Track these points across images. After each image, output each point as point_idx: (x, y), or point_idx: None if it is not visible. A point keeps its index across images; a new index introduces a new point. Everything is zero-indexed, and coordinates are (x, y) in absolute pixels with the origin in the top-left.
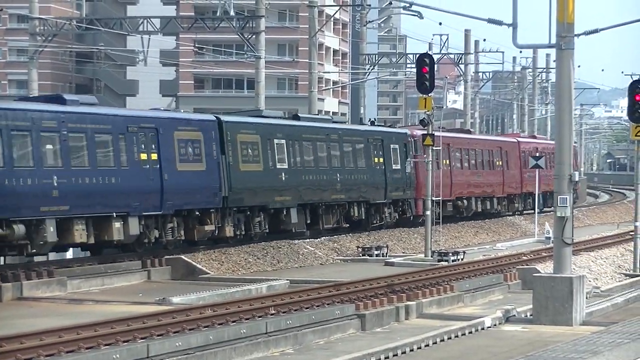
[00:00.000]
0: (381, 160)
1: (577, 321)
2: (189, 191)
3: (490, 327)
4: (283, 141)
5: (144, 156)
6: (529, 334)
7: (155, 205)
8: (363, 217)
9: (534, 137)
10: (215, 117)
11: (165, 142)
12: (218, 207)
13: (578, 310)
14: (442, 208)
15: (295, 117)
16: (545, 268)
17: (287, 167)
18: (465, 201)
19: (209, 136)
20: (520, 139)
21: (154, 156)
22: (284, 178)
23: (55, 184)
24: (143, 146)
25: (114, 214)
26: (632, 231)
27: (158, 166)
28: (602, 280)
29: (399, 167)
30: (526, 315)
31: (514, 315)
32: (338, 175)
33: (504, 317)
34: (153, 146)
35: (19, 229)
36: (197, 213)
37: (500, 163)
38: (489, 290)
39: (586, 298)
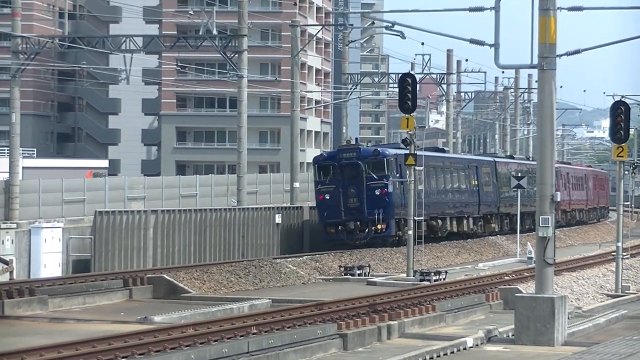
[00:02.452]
0: (475, 182)
1: (558, 341)
2: (489, 203)
3: (472, 347)
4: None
5: (474, 182)
6: (510, 354)
7: (476, 211)
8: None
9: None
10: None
11: (479, 174)
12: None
13: (560, 331)
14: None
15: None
16: (527, 288)
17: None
18: (439, 221)
19: (493, 170)
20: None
21: (475, 182)
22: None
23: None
24: (472, 176)
25: (465, 215)
26: (614, 251)
27: (477, 188)
28: (584, 300)
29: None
30: (508, 336)
31: (496, 335)
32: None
33: (486, 337)
34: (475, 176)
35: (440, 222)
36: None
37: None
38: (471, 310)
39: (568, 318)
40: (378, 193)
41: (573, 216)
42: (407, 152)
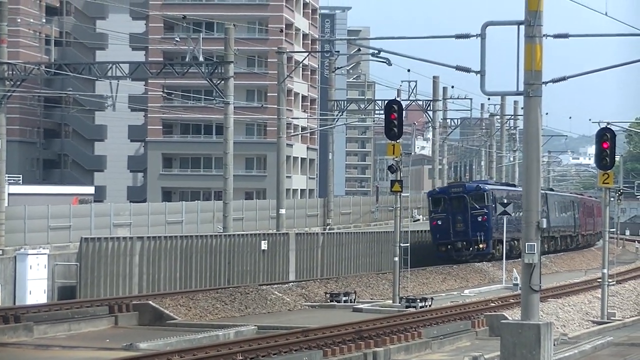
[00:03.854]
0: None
1: None
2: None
3: None
4: None
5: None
6: None
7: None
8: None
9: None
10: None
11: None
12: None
13: (546, 357)
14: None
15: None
16: (513, 315)
17: None
18: (516, 242)
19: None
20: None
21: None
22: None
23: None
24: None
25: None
26: (599, 278)
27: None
28: (569, 327)
29: (578, 216)
30: None
31: None
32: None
33: None
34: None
35: (516, 243)
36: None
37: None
38: (457, 337)
39: (554, 345)
40: (480, 219)
41: (585, 240)
42: (503, 187)
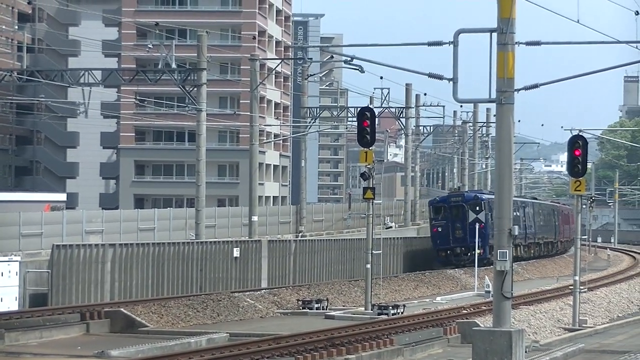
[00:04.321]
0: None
1: None
2: (531, 234)
3: None
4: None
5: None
6: None
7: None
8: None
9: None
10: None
11: (526, 212)
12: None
13: None
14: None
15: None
16: (485, 322)
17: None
18: None
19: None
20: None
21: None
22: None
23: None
24: (522, 214)
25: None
26: (571, 285)
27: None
28: (541, 334)
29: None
30: None
31: None
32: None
33: None
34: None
35: None
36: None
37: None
38: (429, 344)
39: (525, 352)
40: (478, 226)
41: (563, 246)
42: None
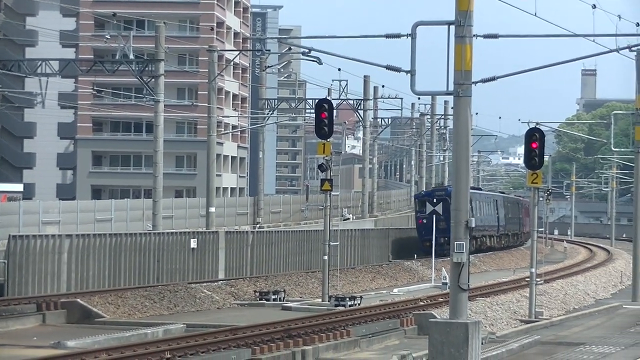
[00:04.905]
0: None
1: None
2: (497, 226)
3: None
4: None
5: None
6: None
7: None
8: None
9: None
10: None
11: (500, 205)
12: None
13: (473, 356)
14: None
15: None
16: (442, 313)
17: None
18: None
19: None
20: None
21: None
22: None
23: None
24: (493, 207)
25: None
26: (527, 277)
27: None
28: (497, 325)
29: (521, 216)
30: None
31: None
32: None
33: None
34: (495, 207)
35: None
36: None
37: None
38: (386, 335)
39: (482, 344)
40: None
41: (525, 237)
42: (476, 191)
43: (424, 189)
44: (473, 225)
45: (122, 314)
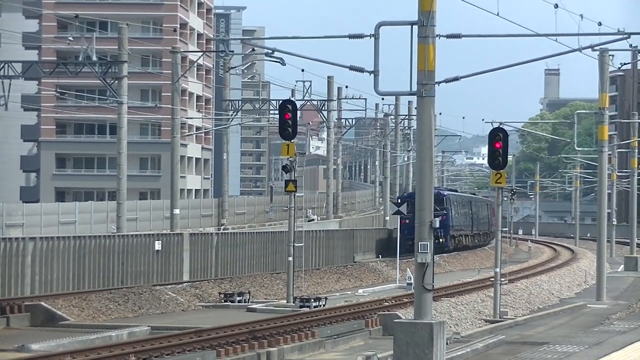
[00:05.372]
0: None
1: None
2: (469, 226)
3: None
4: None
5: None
6: None
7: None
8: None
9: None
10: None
11: (473, 206)
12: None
13: (438, 356)
14: None
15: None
16: (407, 314)
17: None
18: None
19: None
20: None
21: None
22: None
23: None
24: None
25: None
26: (492, 277)
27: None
28: (462, 326)
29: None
30: None
31: None
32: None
33: None
34: (470, 208)
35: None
36: None
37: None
38: (351, 336)
39: (447, 344)
40: (440, 219)
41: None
42: (454, 193)
43: (402, 192)
44: (437, 226)
45: (86, 317)
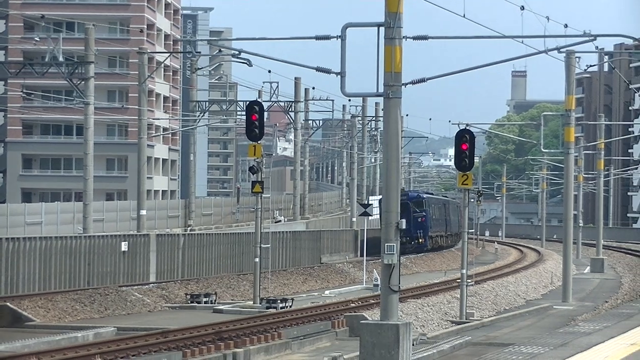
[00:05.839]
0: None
1: None
2: (443, 227)
3: None
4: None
5: (445, 215)
6: None
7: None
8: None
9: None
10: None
11: (447, 208)
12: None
13: (404, 357)
14: None
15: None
16: (373, 315)
17: None
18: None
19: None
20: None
21: (445, 214)
22: None
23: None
24: (443, 210)
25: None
26: (458, 278)
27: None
28: (429, 327)
29: (450, 217)
30: None
31: None
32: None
33: None
34: (445, 210)
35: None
36: None
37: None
38: (317, 337)
39: (413, 345)
40: (419, 220)
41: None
42: (433, 196)
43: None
44: (403, 227)
45: (52, 318)
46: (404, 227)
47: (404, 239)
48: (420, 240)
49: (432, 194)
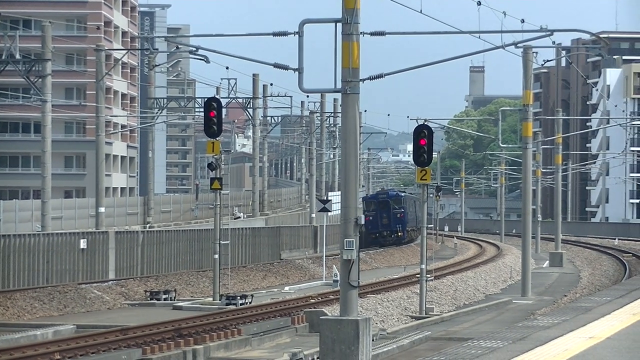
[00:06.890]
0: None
1: None
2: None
3: None
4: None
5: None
6: None
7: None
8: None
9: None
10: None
11: (417, 204)
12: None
13: (364, 353)
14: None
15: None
16: (333, 311)
17: None
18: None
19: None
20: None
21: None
22: None
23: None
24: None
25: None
26: (418, 274)
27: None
28: (388, 322)
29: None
30: (313, 358)
31: (302, 359)
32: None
33: None
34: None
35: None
36: None
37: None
38: (277, 334)
39: (372, 340)
40: (398, 216)
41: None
42: (411, 194)
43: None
44: (362, 223)
45: (11, 316)
46: (362, 222)
47: (385, 233)
48: (399, 233)
49: (404, 192)
